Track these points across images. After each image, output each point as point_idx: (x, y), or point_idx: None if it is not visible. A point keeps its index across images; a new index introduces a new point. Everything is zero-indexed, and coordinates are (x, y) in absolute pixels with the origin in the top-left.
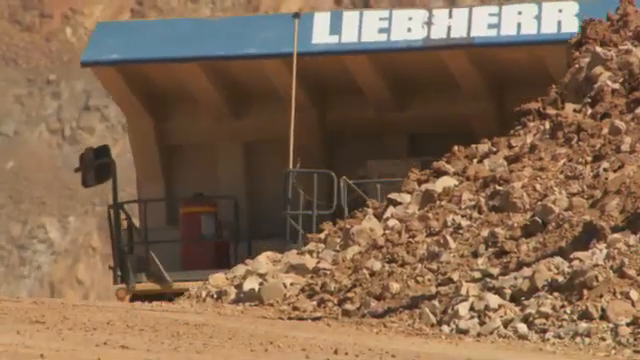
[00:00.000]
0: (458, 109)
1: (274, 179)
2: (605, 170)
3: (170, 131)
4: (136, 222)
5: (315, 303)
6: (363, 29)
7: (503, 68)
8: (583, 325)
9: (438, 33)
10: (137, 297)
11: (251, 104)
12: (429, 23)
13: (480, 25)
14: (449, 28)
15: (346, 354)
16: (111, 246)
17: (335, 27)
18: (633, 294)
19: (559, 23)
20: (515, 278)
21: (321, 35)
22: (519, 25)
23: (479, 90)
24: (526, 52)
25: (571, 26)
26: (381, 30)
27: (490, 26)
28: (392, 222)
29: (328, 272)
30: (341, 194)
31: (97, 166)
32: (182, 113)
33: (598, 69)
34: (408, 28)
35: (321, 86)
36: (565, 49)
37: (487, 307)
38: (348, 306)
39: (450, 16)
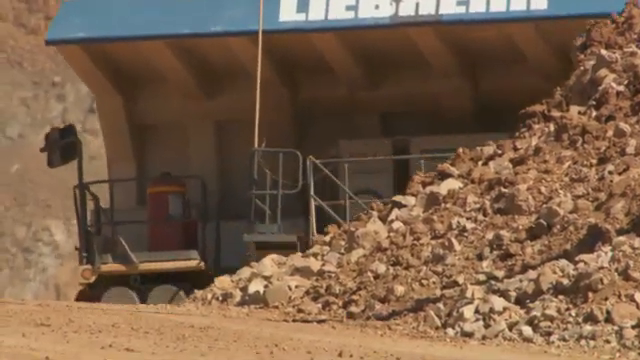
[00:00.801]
0: (430, 87)
1: (245, 159)
2: (610, 173)
3: (140, 110)
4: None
5: (320, 306)
6: (330, 7)
7: (473, 46)
8: (588, 328)
9: (406, 10)
10: (102, 277)
11: (222, 83)
12: (397, 0)
13: (449, 2)
14: (417, 5)
15: (351, 356)
16: (77, 227)
17: (302, 5)
18: (638, 297)
19: (528, 0)
20: (520, 281)
21: (288, 13)
22: (488, 2)
23: (450, 68)
24: (495, 30)
25: (540, 3)
26: (348, 8)
27: (459, 3)
28: (397, 224)
29: (333, 275)
30: (307, 173)
31: (63, 146)
32: (152, 92)
33: (603, 71)
34: (376, 5)
35: (292, 65)
36: (534, 26)
37: (492, 310)
38: (353, 309)
39: None
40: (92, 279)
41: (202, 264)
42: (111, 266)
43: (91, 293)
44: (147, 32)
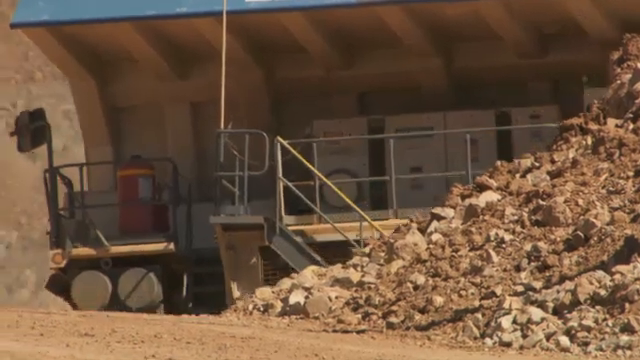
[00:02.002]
0: (405, 66)
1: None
2: None
3: (114, 93)
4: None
5: (360, 316)
6: None
7: (446, 24)
8: (624, 338)
9: None
10: (74, 262)
11: (194, 64)
12: None
13: None
14: None
15: None
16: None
17: None
18: None
19: None
20: (558, 292)
21: None
22: None
23: (424, 47)
24: (464, 7)
25: None
26: None
27: None
28: (436, 236)
29: (373, 286)
30: (275, 155)
31: (33, 130)
32: (125, 75)
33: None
34: None
35: (265, 46)
36: (504, 3)
37: (530, 320)
38: (392, 319)
39: None
40: (63, 263)
41: (172, 247)
42: (82, 250)
43: (63, 278)
44: (112, 14)
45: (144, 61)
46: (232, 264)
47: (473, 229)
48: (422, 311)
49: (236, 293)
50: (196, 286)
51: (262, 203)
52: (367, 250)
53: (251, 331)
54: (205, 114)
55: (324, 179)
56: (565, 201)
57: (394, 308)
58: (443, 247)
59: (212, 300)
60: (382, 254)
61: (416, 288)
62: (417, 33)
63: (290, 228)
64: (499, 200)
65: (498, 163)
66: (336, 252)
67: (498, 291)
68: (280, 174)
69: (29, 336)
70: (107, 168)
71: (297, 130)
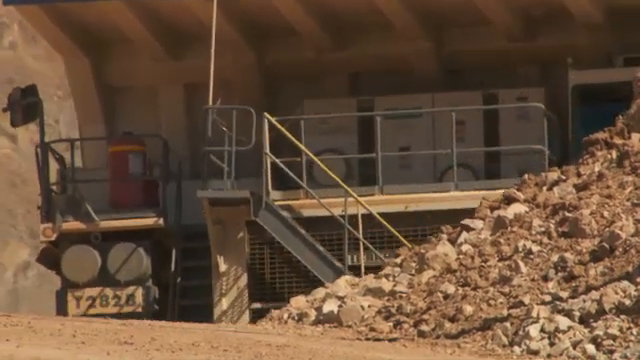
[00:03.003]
0: (396, 49)
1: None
2: None
3: (109, 73)
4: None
5: (392, 324)
6: None
7: (434, 8)
8: None
9: None
10: (64, 236)
11: (188, 45)
12: None
13: None
14: None
15: None
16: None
17: None
18: None
19: None
20: (584, 301)
21: None
22: None
23: (415, 30)
24: None
25: None
26: None
27: None
28: (465, 247)
29: (404, 295)
30: (263, 131)
31: (25, 106)
32: (120, 55)
33: None
34: None
35: (258, 28)
36: None
37: (557, 329)
38: (423, 327)
39: None
40: (53, 237)
41: (162, 222)
42: (72, 224)
43: (54, 251)
44: None
45: (138, 41)
46: (219, 238)
47: (502, 240)
48: (452, 320)
49: (223, 267)
50: (185, 261)
51: (251, 181)
52: (399, 260)
53: (286, 339)
54: (198, 95)
55: (311, 155)
56: (591, 213)
57: (425, 317)
58: (472, 257)
59: (200, 274)
60: (413, 264)
61: (446, 297)
62: (408, 16)
63: (277, 203)
64: (527, 212)
65: (526, 176)
66: (322, 227)
67: (526, 300)
68: (267, 150)
69: (71, 344)
70: (100, 146)
71: (289, 110)
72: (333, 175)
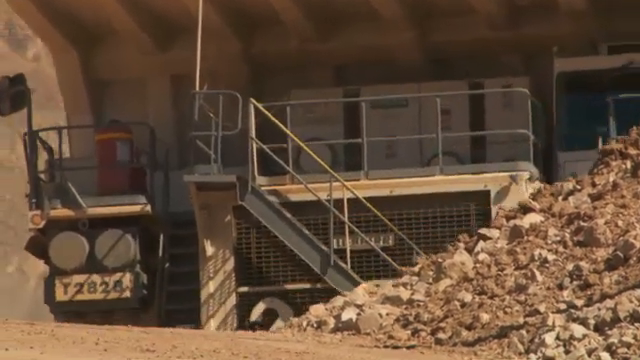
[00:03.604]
0: (381, 39)
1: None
2: None
3: (97, 65)
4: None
5: (409, 332)
6: None
7: None
8: None
9: None
10: (52, 223)
11: (175, 36)
12: None
13: None
14: None
15: None
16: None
17: None
18: None
19: None
20: (599, 309)
21: None
22: None
23: (400, 20)
24: None
25: None
26: None
27: None
28: (482, 256)
29: (422, 303)
30: (249, 116)
31: (12, 94)
32: (108, 47)
33: None
34: None
35: (245, 18)
36: None
37: (572, 337)
38: (440, 335)
39: None
40: (41, 224)
41: (149, 208)
42: (60, 211)
43: (42, 239)
44: None
45: (125, 33)
46: (206, 223)
47: (518, 249)
48: (469, 327)
49: (209, 251)
50: (172, 247)
51: (239, 169)
52: (416, 269)
53: (305, 346)
54: (186, 86)
55: (297, 140)
56: (605, 222)
57: (442, 325)
58: (489, 266)
59: (188, 261)
60: (431, 273)
61: (463, 305)
62: (393, 6)
63: (263, 188)
64: (542, 221)
65: (541, 186)
66: (308, 211)
67: (542, 308)
68: (253, 135)
69: (93, 352)
70: (88, 136)
71: (276, 100)
72: (319, 159)
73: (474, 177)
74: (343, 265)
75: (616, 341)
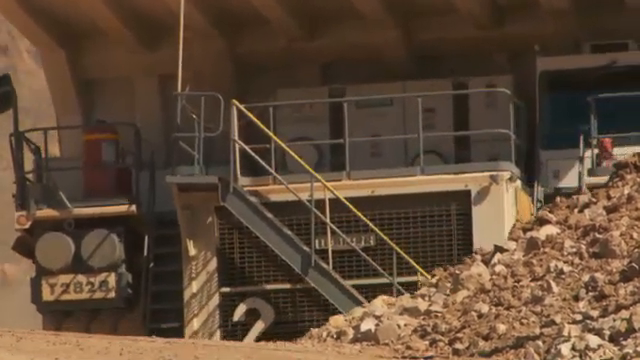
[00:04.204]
0: (367, 38)
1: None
2: None
3: (85, 65)
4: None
5: (427, 343)
6: None
7: None
8: None
9: None
10: (38, 223)
11: (163, 37)
12: None
13: None
14: None
15: None
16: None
17: None
18: None
19: None
20: (614, 320)
21: None
22: None
23: (385, 19)
24: None
25: None
26: None
27: None
28: (499, 268)
29: (439, 314)
30: (231, 118)
31: None
32: (95, 47)
33: None
34: None
35: (230, 18)
36: None
37: (587, 347)
38: (458, 345)
39: None
40: (27, 225)
41: (134, 209)
42: (45, 212)
43: (29, 239)
44: None
45: (112, 33)
46: (188, 223)
47: (534, 261)
48: (486, 338)
49: (192, 251)
50: (157, 247)
51: (225, 169)
52: (434, 281)
53: (325, 357)
54: (172, 85)
55: (279, 142)
56: (621, 234)
57: (459, 335)
58: (506, 278)
59: (172, 260)
60: (448, 284)
61: (480, 316)
62: (378, 5)
63: (246, 189)
64: (558, 233)
65: (557, 199)
66: (290, 212)
67: (558, 319)
68: (236, 136)
69: None
70: (78, 136)
71: (262, 99)
72: (300, 160)
73: (455, 177)
74: (324, 265)
75: (631, 351)
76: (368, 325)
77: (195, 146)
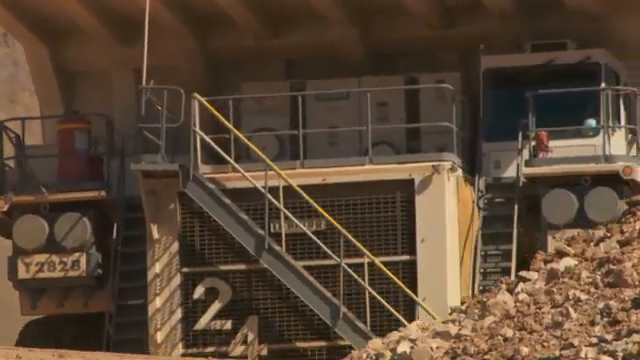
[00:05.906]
0: (327, 36)
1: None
2: None
3: (66, 59)
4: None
5: None
6: None
7: None
8: None
9: None
10: (16, 207)
11: (138, 33)
12: None
13: None
14: None
15: None
16: None
17: None
18: None
19: None
20: (626, 343)
21: None
22: None
23: (342, 18)
24: None
25: None
26: None
27: None
28: (522, 296)
29: (468, 338)
30: (193, 109)
31: None
32: (75, 42)
33: None
34: None
35: (199, 17)
36: None
37: None
38: None
39: None
40: (5, 208)
41: (104, 194)
42: (23, 196)
43: (8, 222)
44: None
45: (89, 29)
46: (152, 208)
47: (554, 289)
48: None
49: (156, 234)
50: (125, 230)
51: (189, 157)
52: (463, 307)
53: None
54: (148, 79)
55: (236, 132)
56: (633, 266)
57: (487, 357)
58: (528, 305)
59: (139, 242)
60: (476, 311)
61: (505, 340)
62: (336, 6)
63: (206, 176)
64: (576, 265)
65: (575, 233)
66: (247, 198)
67: (576, 342)
68: (197, 127)
69: None
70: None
71: (229, 93)
72: (256, 149)
73: (400, 167)
74: (277, 248)
75: None
76: (404, 348)
77: (160, 136)
